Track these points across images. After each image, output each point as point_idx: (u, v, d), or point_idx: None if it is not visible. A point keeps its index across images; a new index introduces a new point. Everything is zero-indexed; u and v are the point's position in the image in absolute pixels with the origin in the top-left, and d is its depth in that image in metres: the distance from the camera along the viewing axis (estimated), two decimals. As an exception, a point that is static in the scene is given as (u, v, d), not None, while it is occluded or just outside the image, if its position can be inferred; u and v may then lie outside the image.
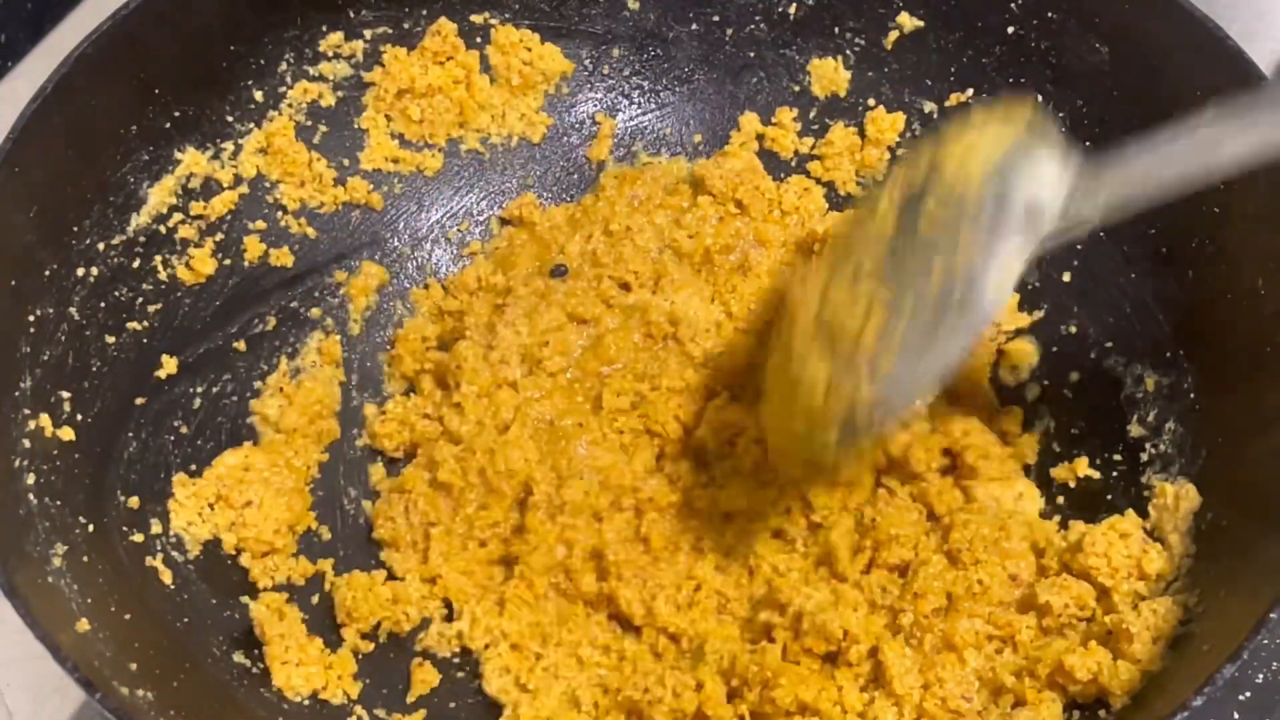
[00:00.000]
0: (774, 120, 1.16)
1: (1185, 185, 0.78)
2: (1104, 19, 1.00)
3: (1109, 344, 1.02)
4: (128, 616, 0.86)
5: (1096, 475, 0.98)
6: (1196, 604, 0.84)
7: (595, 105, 1.18)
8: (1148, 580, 0.87)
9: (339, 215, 1.12)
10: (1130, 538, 0.89)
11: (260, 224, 1.08)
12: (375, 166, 1.14)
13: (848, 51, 1.14)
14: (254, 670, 0.93)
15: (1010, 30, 1.05)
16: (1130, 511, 0.92)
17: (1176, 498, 0.90)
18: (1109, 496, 0.96)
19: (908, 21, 1.10)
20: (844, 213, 0.92)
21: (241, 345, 1.06)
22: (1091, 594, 0.88)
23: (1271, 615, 0.74)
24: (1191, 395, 0.94)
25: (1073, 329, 1.04)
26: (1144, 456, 0.96)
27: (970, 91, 1.09)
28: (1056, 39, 1.03)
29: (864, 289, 0.83)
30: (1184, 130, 0.78)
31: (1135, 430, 0.97)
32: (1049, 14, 1.03)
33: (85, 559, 0.87)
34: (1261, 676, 0.96)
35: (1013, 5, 1.04)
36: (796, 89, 1.16)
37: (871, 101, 1.14)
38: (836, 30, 1.13)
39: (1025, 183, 0.80)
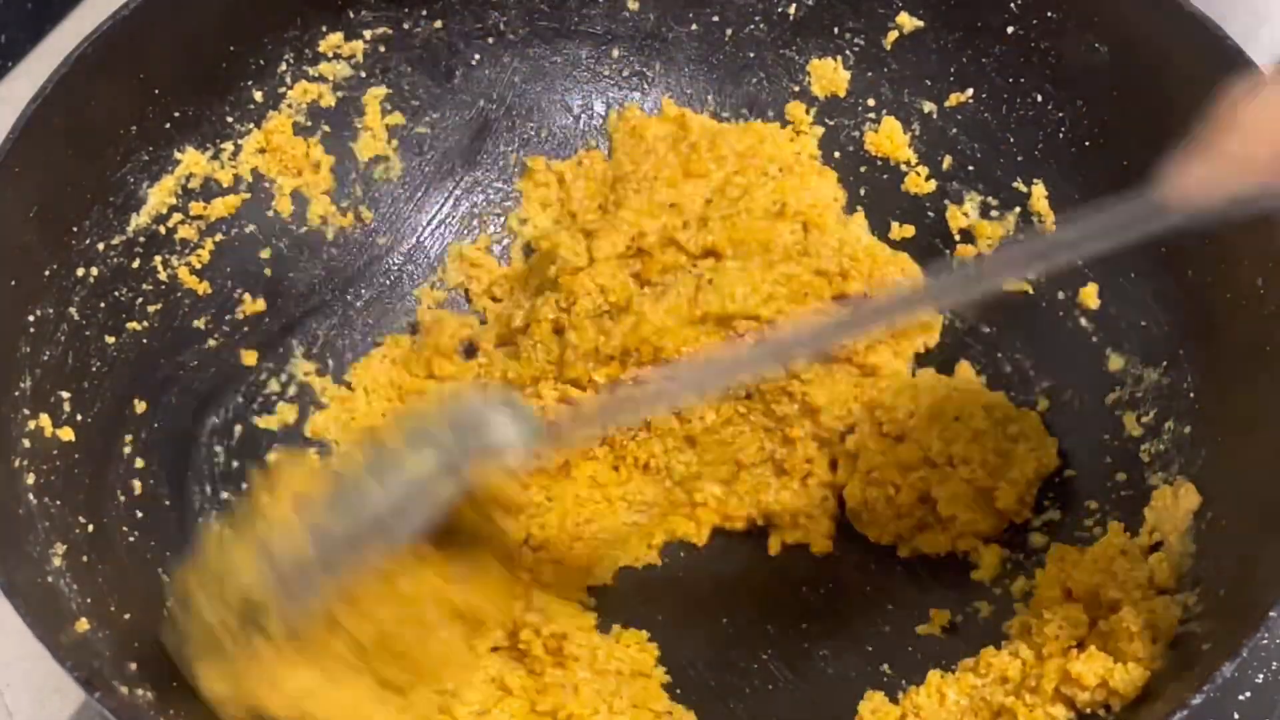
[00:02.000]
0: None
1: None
2: (1104, 19, 1.00)
3: (1108, 343, 1.02)
4: (128, 616, 0.86)
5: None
6: (1196, 604, 0.83)
7: (594, 106, 1.18)
8: (1158, 589, 0.87)
9: (339, 214, 1.12)
10: (1130, 552, 0.89)
11: (259, 224, 1.09)
12: (375, 163, 1.14)
13: (847, 52, 1.14)
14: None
15: (1010, 30, 1.05)
16: (1114, 524, 0.92)
17: (1176, 498, 0.90)
18: (1109, 496, 0.97)
19: (907, 21, 1.10)
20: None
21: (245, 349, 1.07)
22: (1082, 612, 0.88)
23: (1271, 615, 0.74)
24: (1191, 395, 0.94)
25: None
26: (1143, 456, 0.96)
27: (970, 91, 1.09)
28: (1056, 39, 1.03)
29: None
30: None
31: (1134, 430, 0.97)
32: (1049, 14, 1.03)
33: (85, 559, 0.87)
34: (1261, 676, 0.96)
35: (1013, 5, 1.04)
36: (796, 89, 1.16)
37: (871, 102, 1.14)
38: (836, 30, 1.13)
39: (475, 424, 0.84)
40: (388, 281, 1.14)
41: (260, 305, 1.08)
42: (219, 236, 1.06)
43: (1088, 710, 0.83)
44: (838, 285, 1.05)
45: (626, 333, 1.02)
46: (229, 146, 1.06)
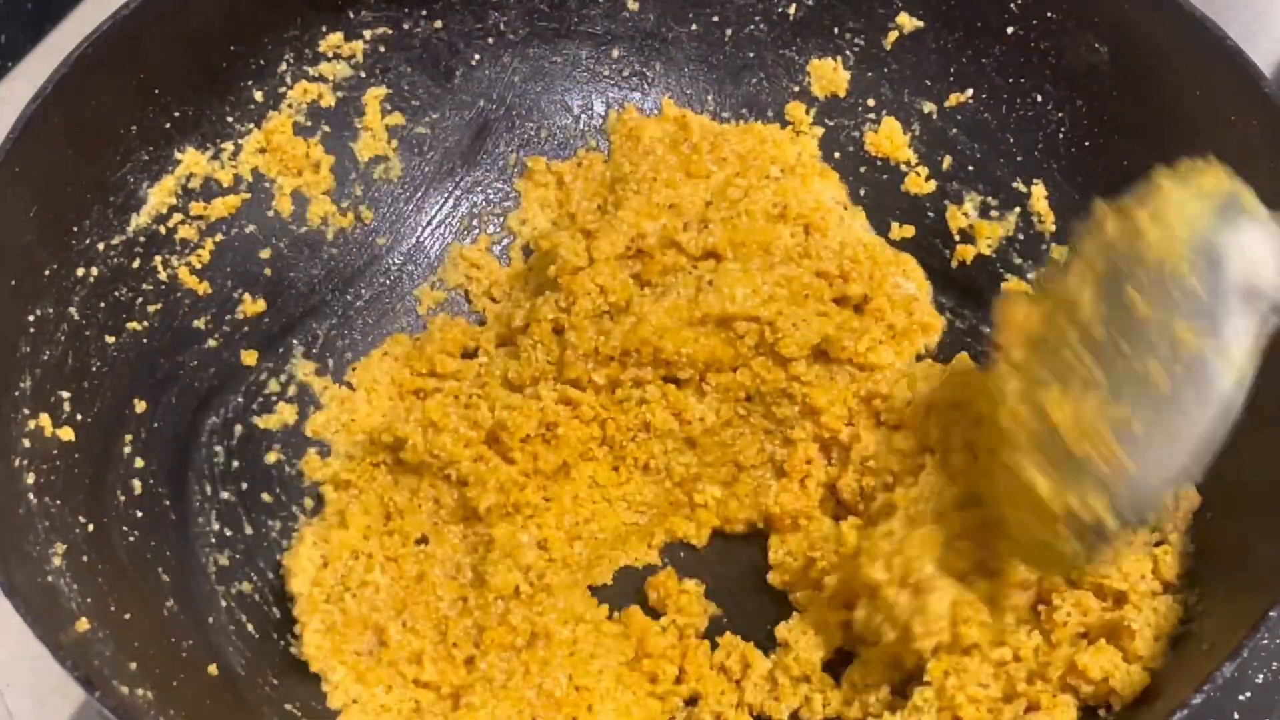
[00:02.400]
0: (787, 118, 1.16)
1: None
2: (1104, 19, 1.00)
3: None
4: (128, 616, 0.86)
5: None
6: (1196, 603, 0.84)
7: (594, 106, 1.18)
8: (1161, 581, 0.87)
9: (339, 214, 1.12)
10: (1133, 544, 0.89)
11: (259, 224, 1.09)
12: (375, 163, 1.14)
13: (847, 52, 1.14)
14: (255, 668, 0.93)
15: (1010, 30, 1.05)
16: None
17: (1176, 498, 0.90)
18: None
19: (907, 22, 1.10)
20: (1025, 300, 0.84)
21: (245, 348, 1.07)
22: (1091, 599, 0.88)
23: (1271, 615, 0.74)
24: (1191, 395, 0.94)
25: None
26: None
27: (970, 91, 1.09)
28: (1056, 39, 1.03)
29: (1084, 403, 0.76)
30: None
31: (1135, 430, 0.97)
32: (1049, 14, 1.03)
33: (85, 559, 0.87)
34: (1261, 676, 0.96)
35: (1013, 5, 1.04)
36: (796, 89, 1.16)
37: (871, 102, 1.14)
38: (836, 30, 1.13)
39: (1236, 260, 0.73)
40: (388, 282, 1.14)
41: (260, 305, 1.08)
42: (219, 236, 1.06)
43: (1091, 704, 0.83)
44: (838, 287, 1.05)
45: (626, 333, 1.02)
46: (229, 146, 1.06)
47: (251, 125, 1.07)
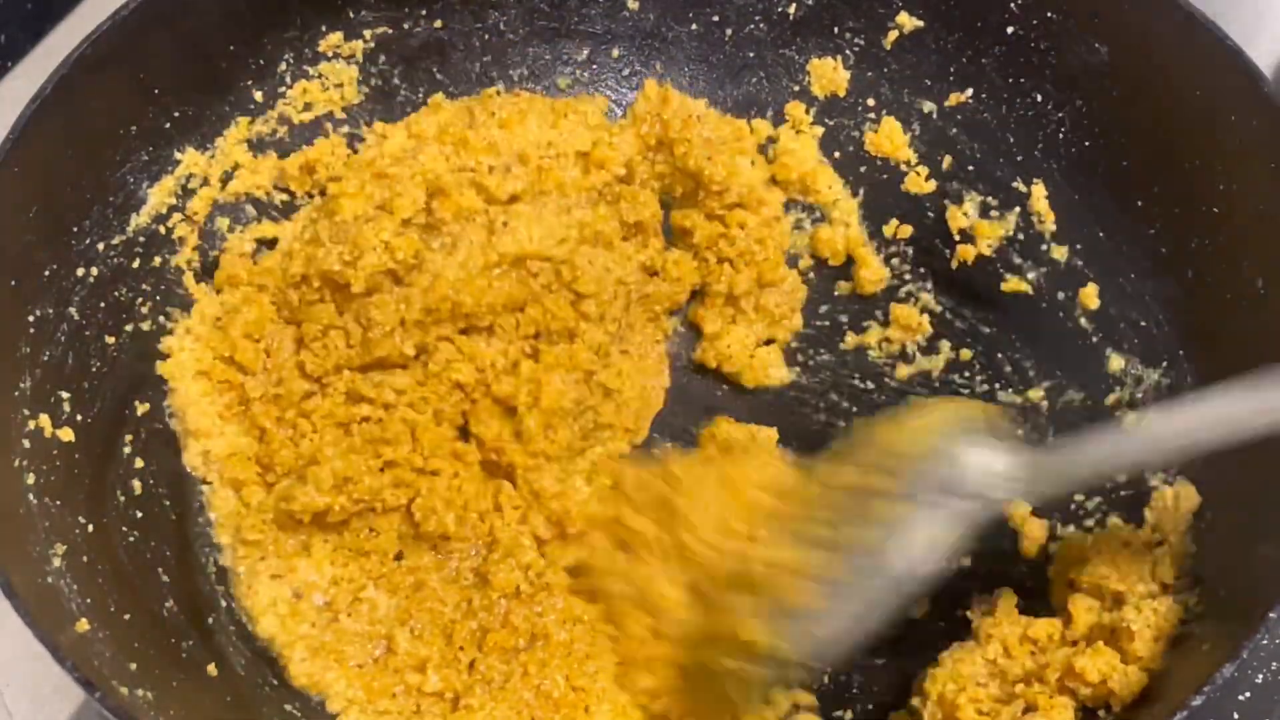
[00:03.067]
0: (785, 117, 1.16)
1: (1101, 477, 0.89)
2: (1104, 19, 1.00)
3: (1108, 343, 1.02)
4: (127, 617, 0.86)
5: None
6: (1196, 604, 0.84)
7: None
8: (1160, 582, 0.87)
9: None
10: (1133, 545, 0.89)
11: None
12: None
13: (847, 51, 1.14)
14: (256, 668, 0.93)
15: (1010, 30, 1.05)
16: (1115, 519, 0.92)
17: (1176, 498, 0.90)
18: (1110, 495, 0.97)
19: (907, 21, 1.10)
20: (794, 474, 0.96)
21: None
22: (1088, 604, 0.88)
23: (1271, 615, 0.74)
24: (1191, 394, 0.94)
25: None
26: (1144, 456, 0.96)
27: (970, 91, 1.09)
28: (1056, 39, 1.03)
29: (808, 556, 0.87)
30: (1118, 431, 0.88)
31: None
32: (1049, 14, 1.03)
33: (85, 559, 0.87)
34: (1261, 676, 0.96)
35: (1013, 5, 1.04)
36: (796, 89, 1.16)
37: (871, 101, 1.14)
38: (836, 30, 1.13)
39: (953, 457, 0.84)
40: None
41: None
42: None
43: (1089, 705, 0.83)
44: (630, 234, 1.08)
45: (425, 292, 1.00)
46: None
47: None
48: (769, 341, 1.13)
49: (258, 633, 0.95)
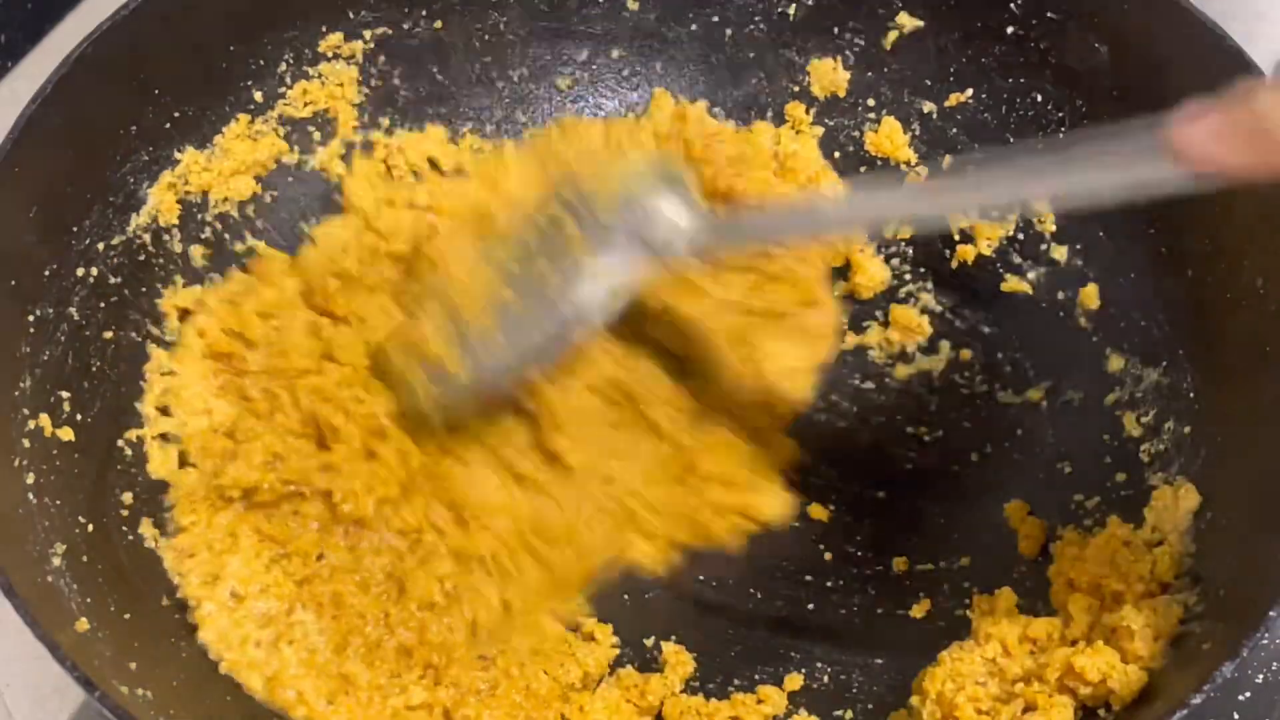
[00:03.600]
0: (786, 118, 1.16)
1: (786, 238, 0.94)
2: (1104, 19, 1.00)
3: (1108, 343, 1.02)
4: (127, 616, 0.86)
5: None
6: (1196, 603, 0.84)
7: (595, 106, 1.18)
8: (1159, 582, 0.87)
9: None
10: (1133, 544, 0.89)
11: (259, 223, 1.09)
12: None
13: (847, 52, 1.14)
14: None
15: (1010, 30, 1.05)
16: (1115, 519, 0.92)
17: (1176, 497, 0.90)
18: (1110, 495, 0.97)
19: (907, 21, 1.10)
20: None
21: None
22: (1086, 605, 0.88)
23: (1271, 615, 0.74)
24: (1191, 394, 0.94)
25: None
26: (1143, 456, 0.96)
27: (970, 91, 1.09)
28: (1056, 39, 1.03)
29: (488, 279, 0.92)
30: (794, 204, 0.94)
31: (1134, 430, 0.97)
32: (1049, 14, 1.03)
33: (85, 559, 0.87)
34: (1261, 676, 0.96)
35: (1013, 5, 1.04)
36: (796, 89, 1.16)
37: (871, 102, 1.14)
38: (836, 30, 1.13)
39: (649, 209, 0.88)
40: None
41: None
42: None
43: (1089, 705, 0.83)
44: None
45: None
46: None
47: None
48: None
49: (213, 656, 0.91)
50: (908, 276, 1.12)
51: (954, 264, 1.11)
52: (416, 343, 0.94)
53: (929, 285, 1.11)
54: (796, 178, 1.13)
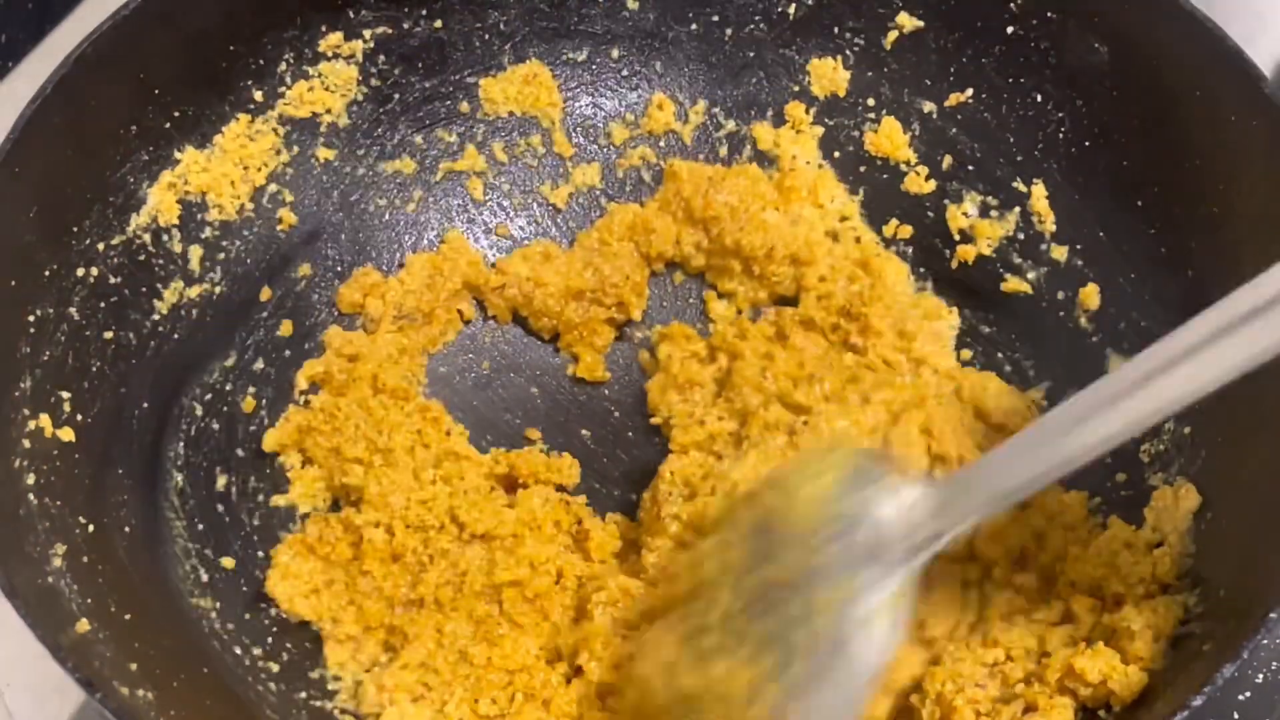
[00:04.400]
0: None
1: (1034, 487, 0.77)
2: (1104, 19, 1.00)
3: (1108, 343, 1.02)
4: (128, 617, 0.86)
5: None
6: (1196, 604, 0.84)
7: (594, 106, 1.18)
8: (1160, 583, 0.87)
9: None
10: (1134, 546, 0.89)
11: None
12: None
13: (847, 51, 1.14)
14: (257, 668, 0.93)
15: (1010, 30, 1.05)
16: (1115, 519, 0.92)
17: (1176, 498, 0.90)
18: (1110, 495, 0.97)
19: (907, 21, 1.10)
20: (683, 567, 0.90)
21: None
22: (1087, 606, 0.88)
23: (1271, 615, 0.74)
24: (1191, 395, 0.94)
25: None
26: (1143, 456, 0.96)
27: (970, 91, 1.09)
28: (1056, 39, 1.03)
29: (730, 666, 0.79)
30: (1024, 437, 0.78)
31: (1134, 430, 0.97)
32: (1049, 14, 1.03)
33: (85, 559, 0.87)
34: (1261, 676, 0.96)
35: (1012, 5, 1.04)
36: (796, 89, 1.16)
37: (871, 101, 1.14)
38: (836, 30, 1.13)
39: (864, 517, 0.78)
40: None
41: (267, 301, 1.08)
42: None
43: (1090, 706, 0.83)
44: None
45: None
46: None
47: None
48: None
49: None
50: (908, 276, 1.12)
51: (954, 264, 1.11)
52: None
53: (929, 285, 1.11)
54: (799, 194, 1.13)
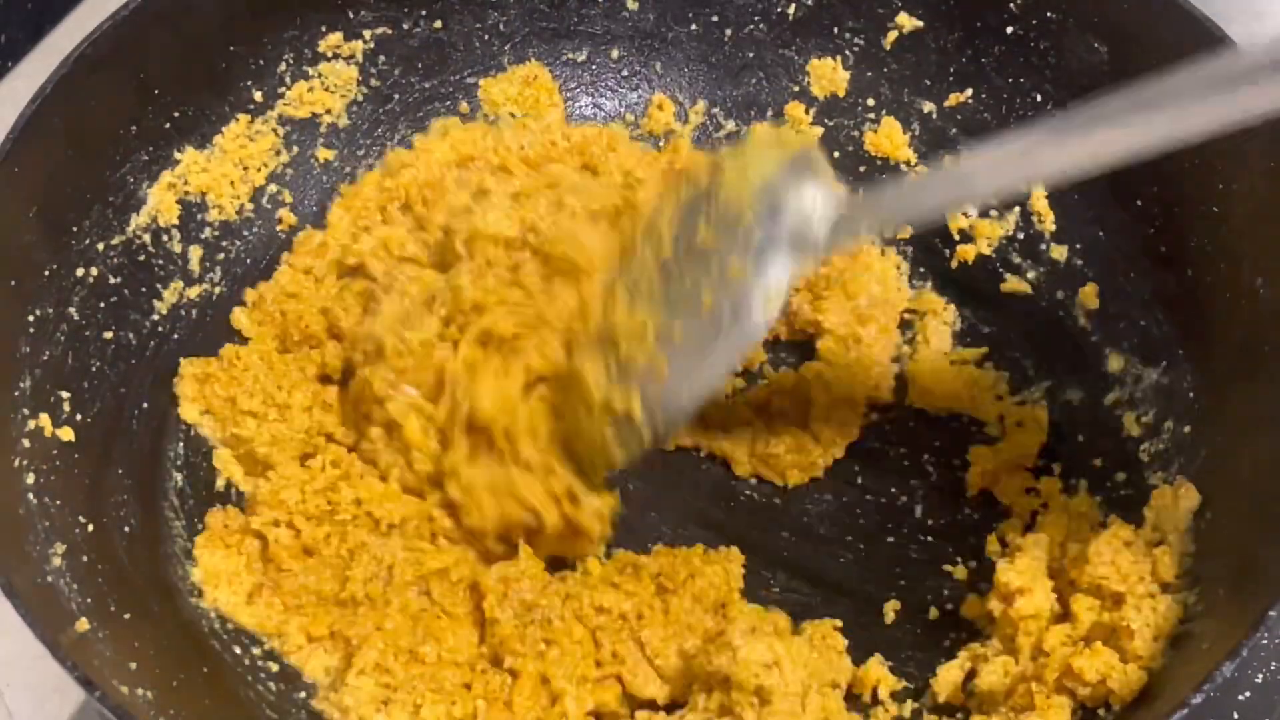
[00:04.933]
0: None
1: (941, 212, 0.88)
2: (1104, 19, 1.00)
3: (1108, 343, 1.02)
4: (127, 616, 0.86)
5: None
6: (1196, 603, 0.83)
7: (594, 106, 1.18)
8: (1160, 582, 0.87)
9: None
10: (1134, 545, 0.89)
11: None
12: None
13: (847, 52, 1.14)
14: (256, 668, 0.93)
15: (1010, 30, 1.05)
16: (1115, 517, 0.92)
17: (1176, 497, 0.90)
18: (1110, 495, 0.97)
19: (907, 21, 1.10)
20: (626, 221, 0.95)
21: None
22: (1087, 605, 0.88)
23: (1271, 614, 0.74)
24: (1191, 394, 0.94)
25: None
26: (1143, 456, 0.96)
27: (969, 91, 1.09)
28: (1056, 39, 1.03)
29: (640, 310, 0.88)
30: (943, 173, 0.85)
31: (1133, 429, 0.97)
32: (1049, 14, 1.03)
33: (85, 559, 0.87)
34: (1261, 676, 0.96)
35: (1012, 5, 1.05)
36: (795, 89, 1.16)
37: (870, 101, 1.14)
38: (835, 30, 1.14)
39: (793, 207, 0.84)
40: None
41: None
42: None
43: (1089, 705, 0.83)
44: None
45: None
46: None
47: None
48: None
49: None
50: (908, 276, 1.12)
51: (954, 263, 1.11)
52: (584, 392, 0.90)
53: (929, 285, 1.11)
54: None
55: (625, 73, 1.18)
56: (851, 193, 0.86)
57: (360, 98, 1.12)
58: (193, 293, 1.04)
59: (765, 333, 0.87)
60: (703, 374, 0.87)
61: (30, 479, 0.87)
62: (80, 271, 0.96)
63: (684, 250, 0.87)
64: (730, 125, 1.17)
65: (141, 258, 1.01)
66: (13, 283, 0.90)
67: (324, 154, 1.12)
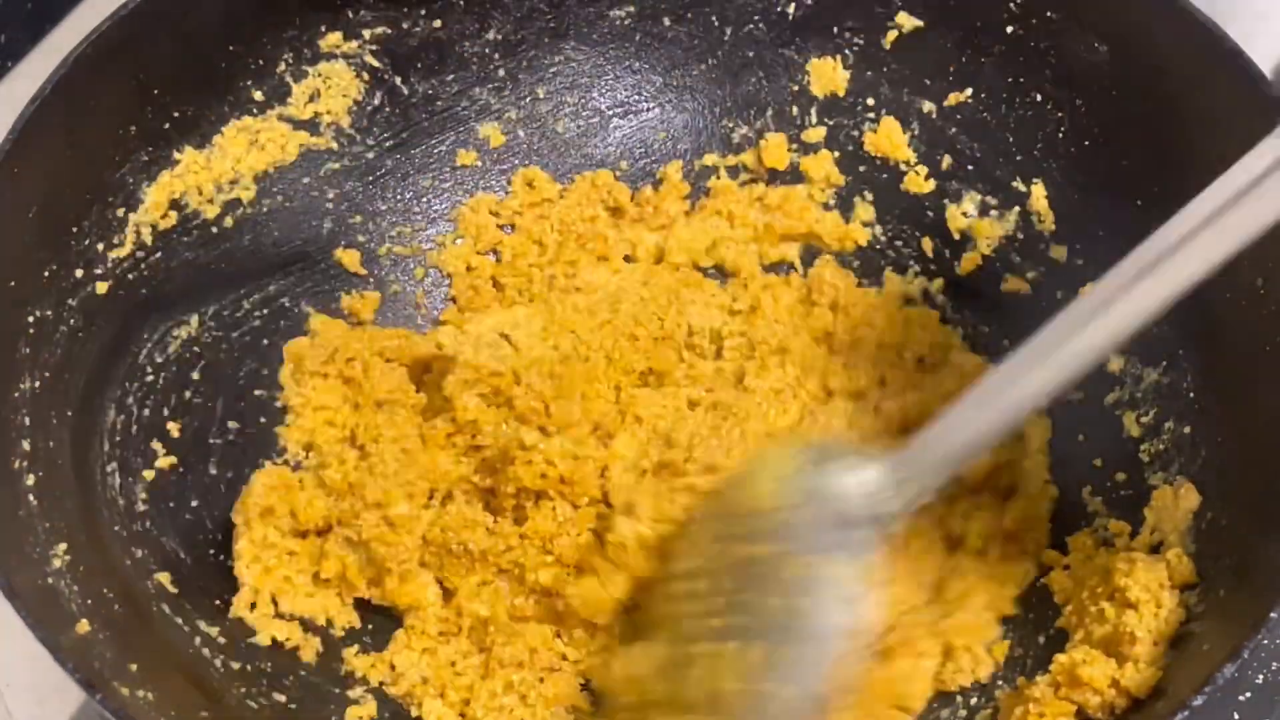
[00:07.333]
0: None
1: (993, 438, 0.80)
2: (1104, 19, 1.00)
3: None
4: (128, 617, 0.86)
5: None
6: (1196, 604, 0.84)
7: (594, 106, 1.18)
8: (1174, 590, 0.86)
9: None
10: (1134, 546, 0.89)
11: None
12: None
13: (846, 51, 1.14)
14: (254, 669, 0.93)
15: (1010, 30, 1.05)
16: (1115, 519, 0.92)
17: (1176, 498, 0.90)
18: (1110, 495, 0.97)
19: (907, 21, 1.10)
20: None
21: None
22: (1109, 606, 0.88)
23: (1271, 615, 0.74)
24: (1191, 394, 0.94)
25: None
26: (1143, 456, 0.96)
27: (970, 91, 1.09)
28: (1056, 39, 1.03)
29: (710, 650, 0.81)
30: (976, 392, 0.79)
31: (1134, 430, 0.97)
32: (1049, 14, 1.03)
33: (86, 560, 0.87)
34: (1261, 676, 0.97)
35: (1012, 5, 1.04)
36: (795, 89, 1.16)
37: (870, 101, 1.14)
38: (835, 30, 1.13)
39: (828, 492, 0.81)
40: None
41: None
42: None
43: (1095, 714, 0.83)
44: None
45: None
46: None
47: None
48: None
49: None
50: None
51: (956, 268, 1.11)
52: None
53: (929, 285, 1.11)
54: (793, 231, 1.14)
55: (625, 72, 1.18)
56: (887, 458, 0.81)
57: (360, 97, 1.12)
58: (193, 293, 1.04)
59: (849, 632, 0.79)
60: (798, 692, 0.79)
61: (30, 480, 0.87)
62: (80, 272, 0.95)
63: (733, 580, 0.82)
64: (738, 130, 1.17)
65: (141, 256, 1.01)
66: (12, 283, 0.89)
67: (327, 159, 1.12)
